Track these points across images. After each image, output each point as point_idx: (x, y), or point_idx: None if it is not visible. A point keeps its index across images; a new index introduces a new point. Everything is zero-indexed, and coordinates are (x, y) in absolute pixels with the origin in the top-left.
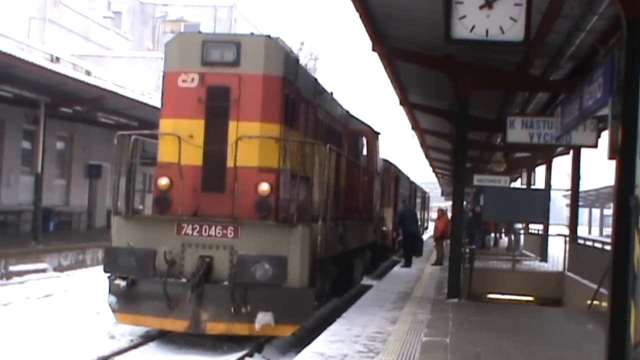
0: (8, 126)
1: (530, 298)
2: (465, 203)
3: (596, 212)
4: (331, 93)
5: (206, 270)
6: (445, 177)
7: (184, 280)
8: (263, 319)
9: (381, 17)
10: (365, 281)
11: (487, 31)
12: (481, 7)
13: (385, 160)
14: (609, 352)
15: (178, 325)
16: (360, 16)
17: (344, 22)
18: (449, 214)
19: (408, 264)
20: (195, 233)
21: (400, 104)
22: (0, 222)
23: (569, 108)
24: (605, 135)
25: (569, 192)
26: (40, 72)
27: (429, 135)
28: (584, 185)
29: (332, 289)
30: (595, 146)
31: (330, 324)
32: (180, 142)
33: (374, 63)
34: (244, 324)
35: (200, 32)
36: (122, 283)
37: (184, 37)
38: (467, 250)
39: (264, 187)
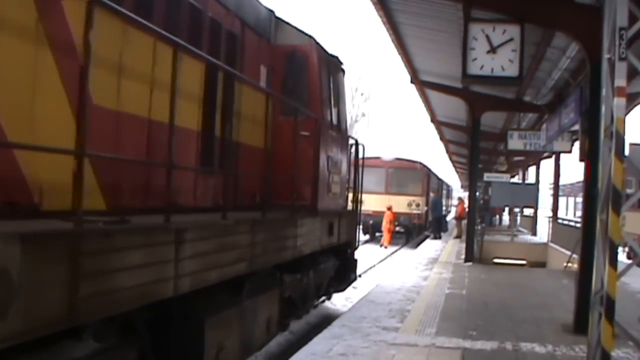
0: None
1: (524, 262)
2: (478, 193)
3: (571, 199)
4: None
5: None
6: (463, 174)
7: None
8: None
9: (416, 58)
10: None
11: (492, 69)
12: (488, 52)
13: (420, 163)
14: (578, 299)
15: None
16: (402, 58)
17: (389, 62)
18: (466, 202)
19: (438, 236)
20: None
21: (432, 121)
22: None
23: (551, 124)
24: (577, 144)
25: (552, 185)
26: None
27: (452, 144)
28: (562, 180)
29: None
30: (570, 152)
31: None
32: None
33: (411, 91)
34: None
35: None
36: None
37: None
38: (479, 227)
39: None
